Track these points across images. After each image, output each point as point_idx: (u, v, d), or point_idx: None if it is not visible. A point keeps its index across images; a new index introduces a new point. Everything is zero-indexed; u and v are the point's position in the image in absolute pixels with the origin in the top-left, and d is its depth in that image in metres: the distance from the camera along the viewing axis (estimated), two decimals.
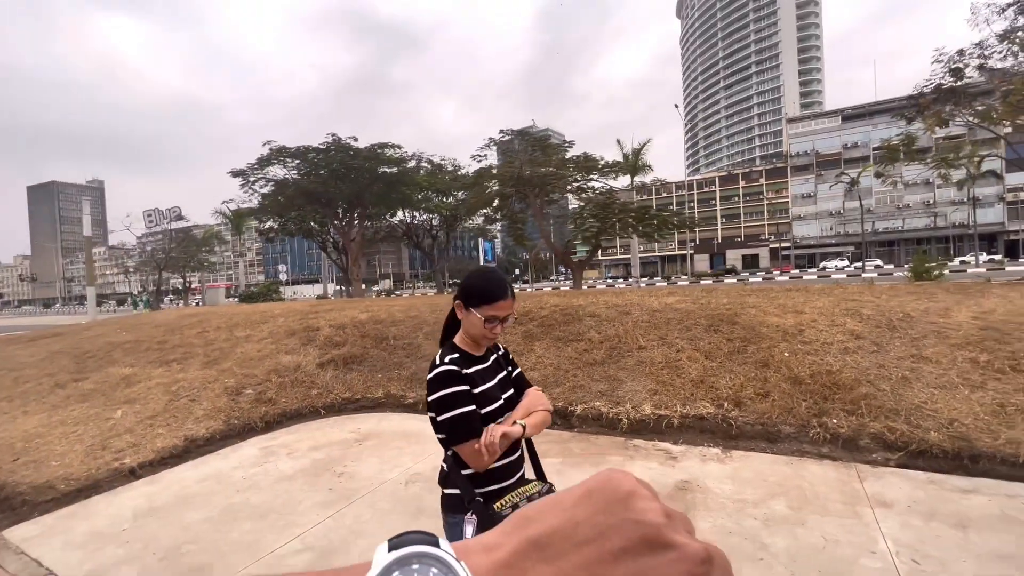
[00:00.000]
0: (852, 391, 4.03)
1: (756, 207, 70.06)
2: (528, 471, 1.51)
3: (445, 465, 1.38)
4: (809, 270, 51.01)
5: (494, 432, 1.24)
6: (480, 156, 18.27)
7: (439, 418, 1.31)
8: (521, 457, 1.46)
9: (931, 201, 55.91)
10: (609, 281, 57.67)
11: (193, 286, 49.03)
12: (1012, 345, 4.20)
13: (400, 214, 27.41)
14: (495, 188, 16.69)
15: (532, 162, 14.69)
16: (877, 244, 59.05)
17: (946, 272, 12.77)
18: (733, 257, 61.46)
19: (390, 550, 0.25)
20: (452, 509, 1.35)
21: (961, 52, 15.62)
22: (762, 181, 69.75)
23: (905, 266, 24.58)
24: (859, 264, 43.10)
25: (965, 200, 48.11)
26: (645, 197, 69.91)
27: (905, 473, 3.24)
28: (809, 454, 3.64)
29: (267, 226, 25.08)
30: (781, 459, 3.58)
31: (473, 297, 1.36)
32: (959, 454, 3.29)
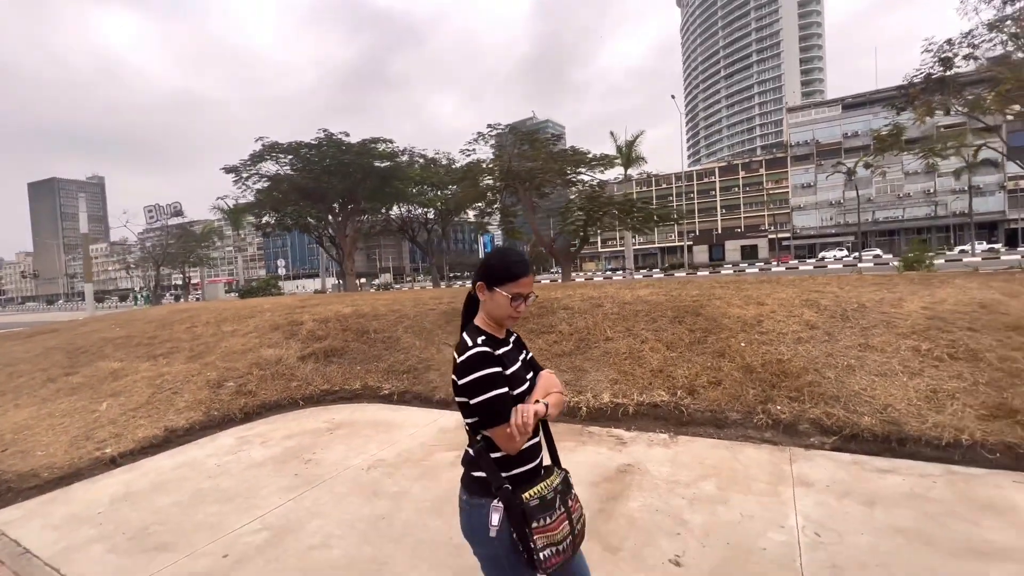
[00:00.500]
0: (798, 379, 4.21)
1: (756, 197, 69.93)
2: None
3: (471, 450, 1.34)
4: (808, 260, 50.94)
5: (527, 411, 1.24)
6: (469, 150, 18.41)
7: (472, 401, 1.27)
8: (540, 439, 1.44)
9: (931, 190, 55.65)
10: (608, 273, 57.80)
11: (194, 282, 49.40)
12: (953, 334, 4.36)
13: (396, 208, 27.56)
14: (486, 182, 16.81)
15: (521, 156, 14.85)
16: (877, 234, 58.88)
17: (940, 261, 12.83)
18: (732, 248, 61.32)
19: None
20: (478, 492, 1.32)
21: (950, 41, 15.53)
22: (762, 171, 69.57)
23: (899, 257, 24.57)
24: (857, 254, 43.04)
25: (965, 189, 47.83)
26: (645, 189, 70.11)
27: (834, 456, 3.42)
28: (752, 439, 3.82)
29: (263, 221, 25.30)
30: (723, 444, 3.77)
31: (496, 277, 1.34)
32: (888, 437, 3.46)
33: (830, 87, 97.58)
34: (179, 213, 36.24)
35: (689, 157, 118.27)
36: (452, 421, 4.69)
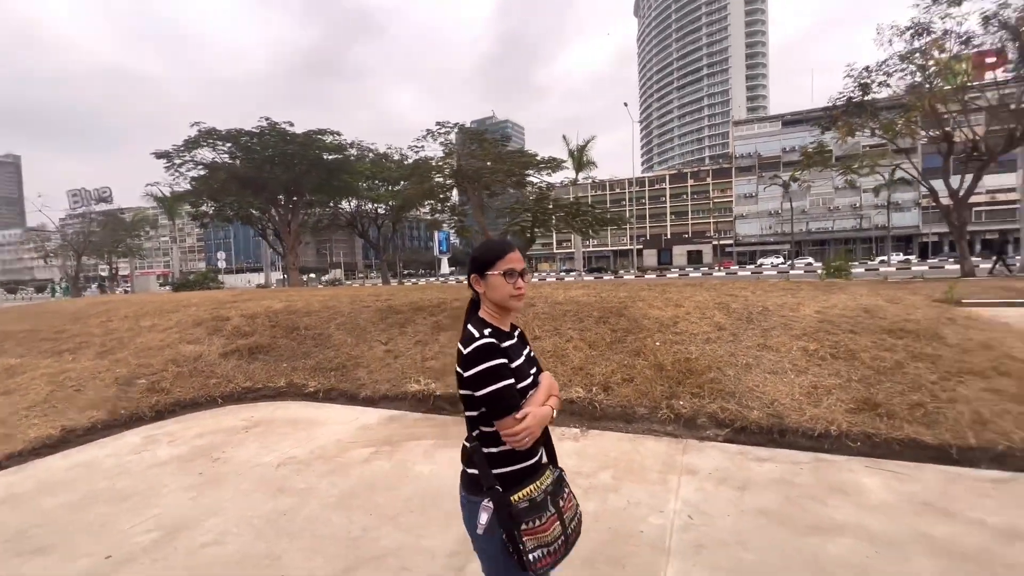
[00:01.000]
0: (702, 376, 4.51)
1: (703, 205, 73.32)
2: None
3: (468, 444, 1.35)
4: (747, 266, 53.95)
5: (541, 415, 1.26)
6: (417, 147, 18.19)
7: (478, 393, 1.26)
8: (540, 439, 1.40)
9: (857, 204, 60.37)
10: (562, 274, 58.76)
11: (123, 273, 46.00)
12: (838, 336, 4.83)
13: (346, 203, 26.86)
14: (436, 180, 16.73)
15: (470, 155, 14.89)
16: (811, 243, 63.21)
17: (860, 270, 14.01)
18: (679, 253, 63.90)
19: None
20: (472, 489, 1.32)
21: (867, 69, 17.00)
22: (709, 180, 73.09)
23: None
24: (791, 262, 46.00)
25: (885, 204, 52.23)
26: (599, 193, 71.94)
27: (724, 446, 3.71)
28: (656, 432, 4.07)
29: (201, 211, 23.92)
30: (628, 437, 4.00)
31: (483, 262, 1.36)
32: (771, 429, 3.80)
33: (773, 103, 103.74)
34: (106, 199, 33.69)
35: (643, 163, 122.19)
36: (373, 418, 4.69)
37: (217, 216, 23.69)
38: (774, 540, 2.49)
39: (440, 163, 16.65)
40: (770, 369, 4.49)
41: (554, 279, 35.33)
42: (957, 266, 18.48)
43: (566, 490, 1.39)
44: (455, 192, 18.53)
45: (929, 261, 39.37)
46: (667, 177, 78.46)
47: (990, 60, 17.10)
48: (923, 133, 18.77)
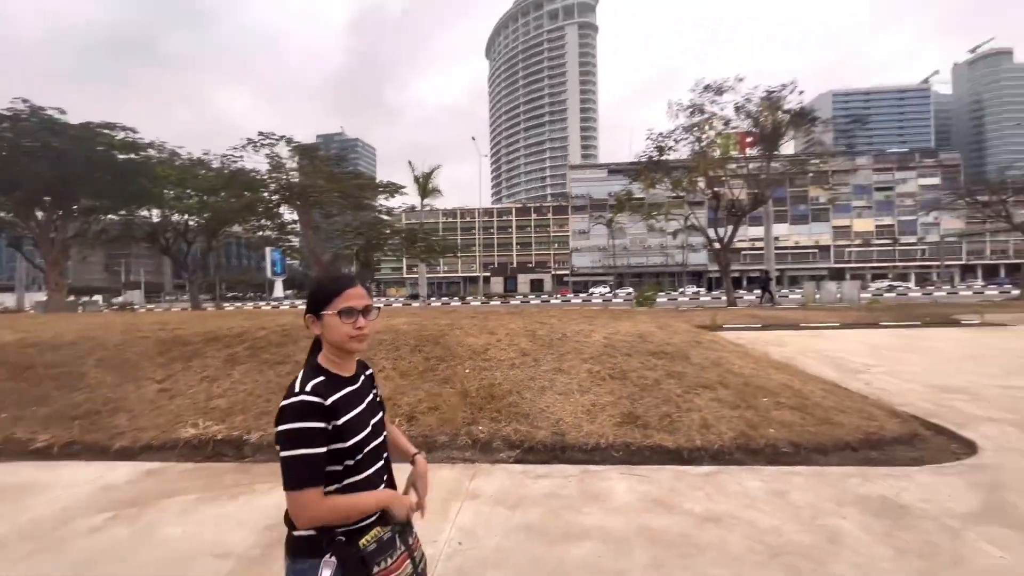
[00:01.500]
0: (502, 400, 4.78)
1: (544, 237, 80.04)
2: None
3: None
4: (580, 295, 60.14)
5: (404, 505, 1.28)
6: (235, 157, 16.29)
7: (282, 453, 1.13)
8: (384, 474, 1.35)
9: (664, 244, 72.35)
10: (410, 300, 57.87)
11: None
12: (616, 358, 5.60)
13: (146, 212, 22.60)
14: (261, 194, 15.08)
15: (300, 171, 13.87)
16: (631, 275, 73.45)
17: (663, 299, 16.53)
18: (523, 281, 68.55)
19: None
20: (303, 553, 1.15)
21: (661, 134, 20.87)
22: (550, 216, 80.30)
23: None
24: (615, 292, 52.70)
25: (684, 246, 63.50)
26: (449, 220, 73.47)
27: (510, 467, 3.94)
28: (455, 459, 4.14)
29: None
30: None
31: (318, 301, 1.23)
32: (555, 447, 4.17)
33: (603, 152, 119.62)
34: None
35: (493, 195, 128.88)
36: (121, 475, 3.88)
37: None
38: (531, 553, 2.69)
39: (266, 177, 15.10)
40: (561, 390, 4.97)
41: (400, 305, 34.54)
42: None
43: (413, 529, 1.37)
44: (285, 209, 16.97)
45: (712, 293, 48.79)
46: (513, 210, 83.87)
47: (748, 140, 22.45)
48: (702, 189, 23.58)
